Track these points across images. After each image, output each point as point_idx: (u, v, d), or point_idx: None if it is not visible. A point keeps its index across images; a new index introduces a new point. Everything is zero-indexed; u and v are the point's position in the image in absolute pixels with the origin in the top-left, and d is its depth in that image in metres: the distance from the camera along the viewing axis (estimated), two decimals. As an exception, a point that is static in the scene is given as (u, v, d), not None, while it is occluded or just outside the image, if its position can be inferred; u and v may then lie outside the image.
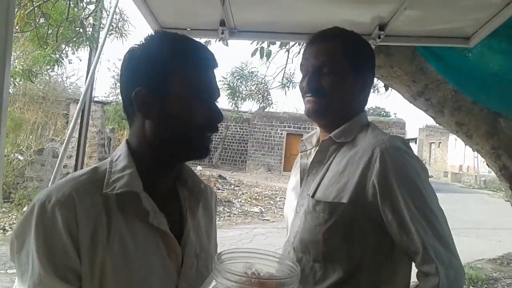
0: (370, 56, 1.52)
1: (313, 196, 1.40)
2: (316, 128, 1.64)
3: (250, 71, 7.69)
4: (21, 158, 10.44)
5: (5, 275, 5.77)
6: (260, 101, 7.92)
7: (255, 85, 7.74)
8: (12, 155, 10.24)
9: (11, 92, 12.19)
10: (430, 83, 3.30)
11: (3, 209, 9.18)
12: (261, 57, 5.14)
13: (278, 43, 4.95)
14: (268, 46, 5.09)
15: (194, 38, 1.08)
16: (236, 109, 8.05)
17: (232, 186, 15.94)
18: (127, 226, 0.98)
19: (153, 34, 1.09)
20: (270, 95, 7.90)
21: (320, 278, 1.35)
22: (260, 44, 5.06)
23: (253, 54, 5.19)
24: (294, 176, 1.65)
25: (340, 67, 1.43)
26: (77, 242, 0.91)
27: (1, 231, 7.91)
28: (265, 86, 7.64)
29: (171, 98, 1.01)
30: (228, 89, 7.54)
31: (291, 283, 0.73)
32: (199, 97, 1.03)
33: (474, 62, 2.60)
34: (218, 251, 0.93)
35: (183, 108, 1.02)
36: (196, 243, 1.10)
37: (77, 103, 3.20)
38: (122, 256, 0.95)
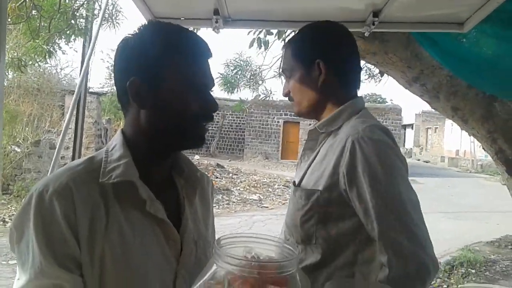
0: (327, 44, 1.46)
1: (298, 183, 1.45)
2: None
3: (244, 60, 7.66)
4: (18, 150, 10.42)
5: (6, 266, 5.80)
6: (256, 90, 7.91)
7: (250, 75, 7.71)
8: (9, 147, 10.22)
9: (5, 84, 12.09)
10: (425, 68, 3.31)
11: (2, 201, 9.19)
12: (259, 47, 5.09)
13: (275, 32, 4.93)
14: (265, 36, 5.05)
15: (187, 28, 1.09)
16: (239, 99, 8.02)
17: (230, 175, 15.98)
18: (125, 215, 0.99)
19: (147, 24, 1.09)
20: (265, 82, 7.89)
21: (301, 259, 1.39)
22: (257, 35, 5.01)
23: (251, 45, 5.14)
24: None
25: (292, 69, 1.50)
26: (76, 231, 0.92)
27: (1, 222, 7.94)
28: (260, 75, 7.61)
29: (165, 89, 1.02)
30: (224, 83, 7.52)
31: (290, 266, 0.74)
32: (193, 88, 1.04)
33: (468, 47, 2.61)
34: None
35: (177, 98, 1.02)
36: (194, 230, 1.11)
37: (73, 94, 3.19)
38: (120, 244, 0.96)
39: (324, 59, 1.43)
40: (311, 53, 1.45)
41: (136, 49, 1.03)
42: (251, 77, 7.66)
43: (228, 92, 7.69)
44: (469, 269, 6.50)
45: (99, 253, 0.94)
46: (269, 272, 0.73)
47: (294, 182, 1.48)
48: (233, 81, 7.53)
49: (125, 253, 0.97)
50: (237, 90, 7.68)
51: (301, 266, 1.37)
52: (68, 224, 0.92)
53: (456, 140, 31.18)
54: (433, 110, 4.16)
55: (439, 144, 35.68)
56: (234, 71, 7.61)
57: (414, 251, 1.21)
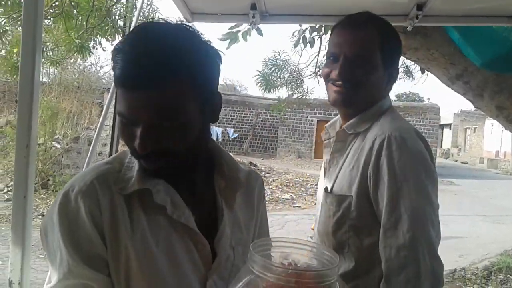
0: (400, 49, 1.49)
1: (330, 189, 1.41)
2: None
3: (283, 59, 7.57)
4: (58, 146, 10.71)
5: (44, 259, 5.95)
6: (295, 89, 7.82)
7: (288, 74, 7.61)
8: (49, 143, 10.52)
9: (46, 81, 12.50)
10: (469, 65, 3.17)
11: (42, 195, 9.47)
12: (305, 46, 4.95)
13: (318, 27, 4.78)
14: (311, 34, 4.90)
15: (196, 27, 0.95)
16: (278, 97, 7.93)
17: (263, 173, 15.94)
18: (149, 217, 0.96)
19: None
20: (303, 82, 7.78)
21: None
22: (303, 33, 4.88)
23: (296, 44, 5.01)
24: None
25: (374, 58, 1.38)
26: (101, 230, 0.91)
27: (40, 217, 8.17)
28: (299, 74, 7.50)
29: None
30: (263, 82, 7.47)
31: (330, 275, 0.69)
32: (121, 119, 0.92)
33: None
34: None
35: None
36: (231, 236, 1.05)
37: (110, 91, 3.21)
38: (144, 249, 0.93)
39: (398, 65, 1.45)
40: (396, 57, 1.46)
41: None
42: (289, 76, 7.56)
43: (266, 91, 7.64)
44: (508, 275, 6.26)
45: (124, 253, 0.92)
46: (307, 282, 0.68)
47: (326, 188, 1.44)
48: (271, 79, 7.46)
49: (149, 257, 0.94)
50: (275, 89, 7.62)
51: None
52: (94, 222, 0.91)
53: (496, 141, 30.24)
54: (472, 109, 4.02)
55: (478, 145, 34.64)
56: (272, 70, 7.53)
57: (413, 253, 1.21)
